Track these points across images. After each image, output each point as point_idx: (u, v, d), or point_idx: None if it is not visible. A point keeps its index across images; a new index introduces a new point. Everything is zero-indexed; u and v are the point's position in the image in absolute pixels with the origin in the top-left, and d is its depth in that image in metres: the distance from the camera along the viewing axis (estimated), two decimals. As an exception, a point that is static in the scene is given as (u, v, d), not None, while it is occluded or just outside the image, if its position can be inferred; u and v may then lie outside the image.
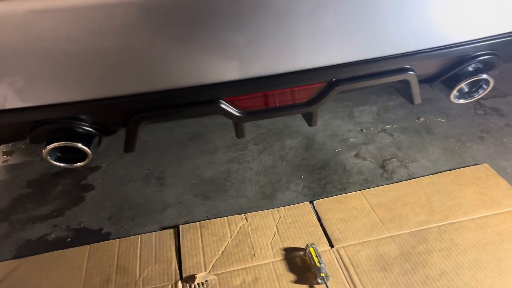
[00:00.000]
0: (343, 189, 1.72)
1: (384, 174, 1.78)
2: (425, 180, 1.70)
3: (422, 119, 2.11)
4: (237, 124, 1.26)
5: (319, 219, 1.57)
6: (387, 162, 1.85)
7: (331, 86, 1.20)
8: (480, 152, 1.85)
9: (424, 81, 1.37)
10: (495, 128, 1.99)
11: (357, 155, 1.91)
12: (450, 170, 1.75)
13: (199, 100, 1.16)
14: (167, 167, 1.94)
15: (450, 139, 1.95)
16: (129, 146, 1.24)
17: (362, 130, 2.08)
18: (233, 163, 1.93)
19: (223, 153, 2.01)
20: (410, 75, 1.23)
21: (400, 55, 1.18)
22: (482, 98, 2.23)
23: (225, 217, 1.61)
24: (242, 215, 1.62)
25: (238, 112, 1.21)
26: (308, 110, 1.25)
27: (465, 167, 1.76)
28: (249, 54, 1.10)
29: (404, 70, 1.22)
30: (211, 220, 1.61)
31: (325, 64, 1.15)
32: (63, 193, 1.83)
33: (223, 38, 1.06)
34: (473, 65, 1.31)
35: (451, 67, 1.29)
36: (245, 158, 1.96)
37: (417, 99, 1.32)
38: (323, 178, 1.79)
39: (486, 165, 1.74)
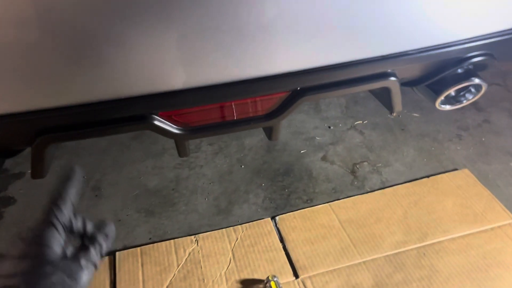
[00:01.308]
0: (309, 201, 1.50)
1: (355, 182, 1.57)
2: (401, 189, 1.51)
3: (394, 113, 1.91)
4: (178, 143, 1.00)
5: (282, 240, 1.35)
6: (357, 166, 1.64)
7: (295, 96, 0.95)
8: (459, 154, 1.67)
9: (406, 84, 1.15)
10: (473, 125, 1.82)
11: (324, 158, 1.69)
12: (427, 176, 1.56)
13: (124, 116, 0.89)
14: (106, 173, 1.66)
15: (425, 138, 1.76)
16: (37, 172, 0.97)
17: (329, 127, 1.86)
18: (183, 168, 1.67)
19: (172, 155, 1.74)
20: (392, 82, 1.00)
21: (379, 58, 0.94)
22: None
23: (172, 240, 1.36)
24: (192, 236, 1.38)
25: (178, 129, 0.95)
26: (267, 125, 1.01)
27: (443, 172, 1.57)
28: (189, 58, 0.83)
29: (384, 75, 0.99)
30: (155, 244, 1.36)
31: (287, 70, 0.90)
32: (-24, 210, 1.52)
33: (153, 36, 0.79)
34: (463, 67, 1.09)
35: (439, 69, 1.06)
36: (197, 162, 1.70)
37: (398, 107, 1.10)
38: (286, 187, 1.56)
39: (466, 170, 1.56)
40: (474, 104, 1.94)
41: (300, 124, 1.88)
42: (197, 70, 0.85)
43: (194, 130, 0.96)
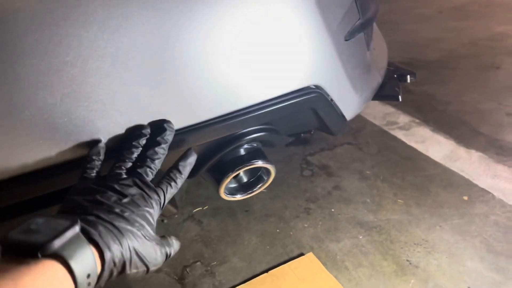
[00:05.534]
0: (118, 333, 1.15)
1: (181, 293, 1.26)
2: (233, 295, 1.22)
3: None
4: None
5: None
6: (187, 270, 1.34)
7: None
8: (306, 233, 1.44)
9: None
10: (322, 194, 1.63)
11: (149, 264, 1.36)
12: (267, 270, 1.29)
13: None
14: None
15: (271, 218, 1.52)
16: None
17: (163, 221, 1.55)
18: None
19: None
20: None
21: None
22: (309, 153, 1.88)
23: None
24: None
25: None
26: None
27: (286, 261, 1.32)
28: None
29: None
30: None
31: None
32: None
33: None
34: (245, 146, 0.86)
35: (211, 153, 0.82)
36: None
37: (168, 211, 0.83)
38: (92, 316, 1.19)
39: (310, 255, 1.33)
40: (325, 168, 1.77)
41: (129, 222, 1.55)
42: None
43: None
